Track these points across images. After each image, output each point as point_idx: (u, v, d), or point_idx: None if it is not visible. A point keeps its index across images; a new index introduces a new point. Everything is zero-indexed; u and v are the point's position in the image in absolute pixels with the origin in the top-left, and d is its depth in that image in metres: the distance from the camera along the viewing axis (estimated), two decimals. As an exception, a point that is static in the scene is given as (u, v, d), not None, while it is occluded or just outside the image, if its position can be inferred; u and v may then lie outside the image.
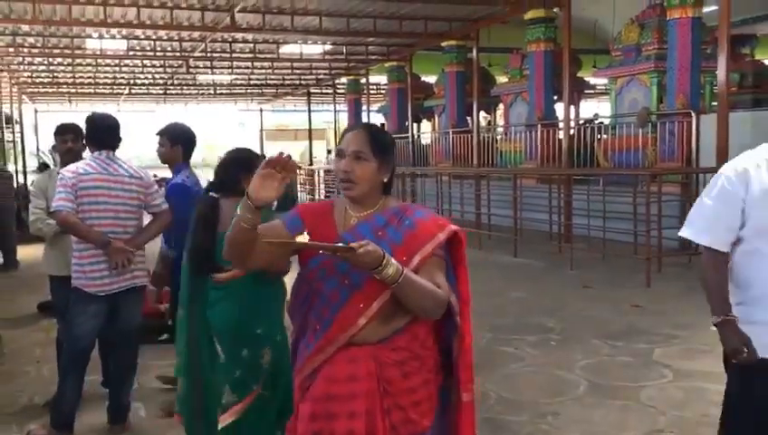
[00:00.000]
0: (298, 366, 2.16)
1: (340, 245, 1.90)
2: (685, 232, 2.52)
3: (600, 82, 17.09)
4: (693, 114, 9.92)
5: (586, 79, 15.70)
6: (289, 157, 1.89)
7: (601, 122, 14.42)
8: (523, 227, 10.76)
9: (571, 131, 12.60)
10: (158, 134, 4.46)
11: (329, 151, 25.68)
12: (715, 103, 10.51)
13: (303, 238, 1.93)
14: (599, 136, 12.49)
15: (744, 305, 2.41)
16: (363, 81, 21.76)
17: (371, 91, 23.18)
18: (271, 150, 26.36)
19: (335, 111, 26.03)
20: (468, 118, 16.44)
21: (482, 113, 17.37)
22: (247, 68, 21.02)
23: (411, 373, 2.08)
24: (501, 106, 16.79)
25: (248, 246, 1.97)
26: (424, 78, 19.75)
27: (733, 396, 2.49)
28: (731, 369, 2.49)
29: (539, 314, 6.76)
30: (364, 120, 21.83)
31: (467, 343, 2.20)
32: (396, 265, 1.92)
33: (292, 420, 2.17)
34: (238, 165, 3.27)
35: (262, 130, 33.34)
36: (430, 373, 2.15)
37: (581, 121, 14.81)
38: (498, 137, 15.93)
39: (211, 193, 3.26)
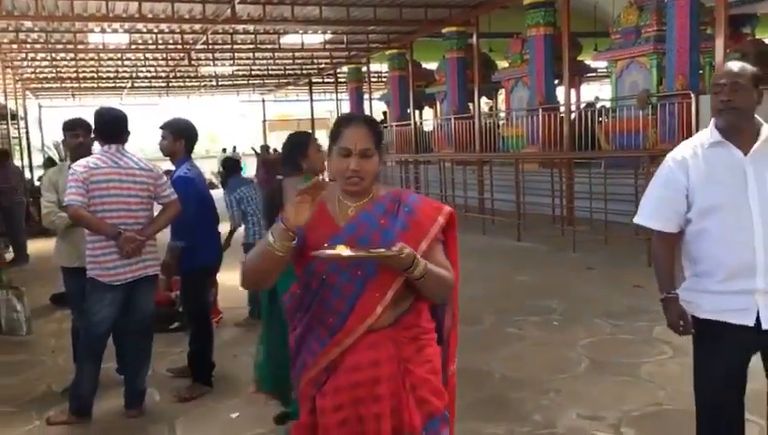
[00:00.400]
0: (308, 363, 2.13)
1: (382, 251, 1.94)
2: (638, 219, 2.79)
3: (600, 65, 17.10)
4: (692, 95, 9.97)
5: (587, 62, 15.71)
6: (323, 180, 1.97)
7: (603, 105, 14.46)
8: (526, 212, 10.85)
9: (572, 115, 12.65)
10: (161, 128, 4.59)
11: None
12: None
13: (347, 251, 1.95)
14: (600, 119, 12.55)
15: (695, 277, 2.69)
16: (364, 69, 21.83)
17: (373, 80, 23.24)
18: (273, 140, 26.48)
19: (337, 100, 26.11)
20: (470, 104, 16.48)
21: (483, 99, 17.41)
22: (249, 59, 21.09)
23: (425, 346, 2.15)
24: (502, 91, 16.82)
25: (276, 271, 2.02)
26: (425, 65, 19.78)
27: (695, 361, 2.77)
28: (694, 344, 2.75)
29: (542, 295, 6.87)
30: (366, 108, 21.90)
31: (456, 319, 2.32)
32: (423, 262, 1.99)
33: (303, 417, 2.17)
34: (296, 148, 3.77)
35: (264, 121, 33.41)
36: (437, 344, 2.23)
37: (583, 105, 14.85)
38: (500, 122, 15.99)
39: (277, 177, 3.80)
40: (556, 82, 13.82)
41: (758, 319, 2.55)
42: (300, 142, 3.81)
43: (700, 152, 2.62)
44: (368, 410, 2.04)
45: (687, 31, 10.35)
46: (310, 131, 4.39)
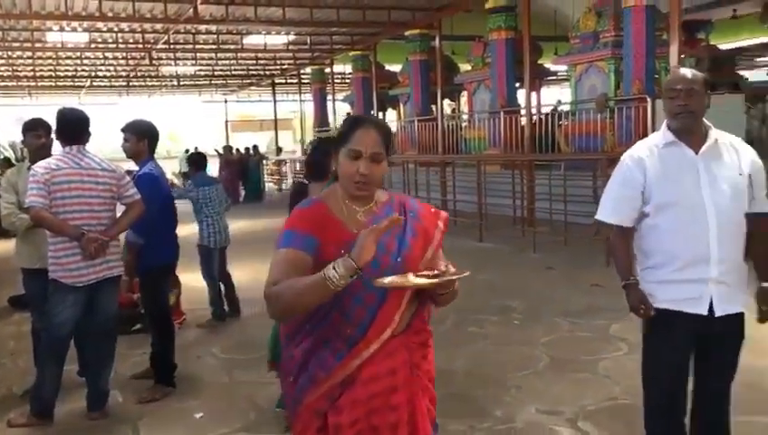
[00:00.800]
0: (318, 377, 2.01)
1: (451, 275, 1.90)
2: (598, 216, 2.96)
3: (560, 68, 17.40)
4: (648, 99, 10.24)
5: (547, 66, 15.99)
6: (400, 218, 1.94)
7: (562, 109, 14.73)
8: (488, 213, 11.01)
9: (534, 118, 12.87)
10: (122, 130, 4.58)
11: (301, 142, 25.65)
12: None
13: (416, 279, 1.89)
14: (560, 122, 12.79)
15: (649, 269, 2.85)
16: (328, 70, 21.85)
17: (336, 81, 23.26)
18: (236, 141, 26.29)
19: (300, 101, 26.05)
20: (433, 106, 16.66)
21: (446, 101, 17.59)
22: (211, 59, 20.96)
23: (429, 352, 2.15)
24: (465, 94, 17.02)
25: (317, 305, 1.90)
26: (388, 67, 19.89)
27: (647, 352, 2.94)
28: (643, 330, 2.94)
29: (503, 295, 7.00)
30: (329, 109, 21.93)
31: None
32: None
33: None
34: (323, 153, 3.60)
35: (227, 121, 33.17)
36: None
37: (549, 109, 15.10)
38: (463, 124, 16.17)
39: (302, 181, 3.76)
40: (517, 85, 14.04)
41: (711, 308, 2.71)
42: (326, 149, 3.66)
43: (656, 152, 2.79)
44: (384, 420, 2.00)
45: (644, 37, 10.63)
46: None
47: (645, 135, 10.35)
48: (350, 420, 1.98)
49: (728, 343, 2.85)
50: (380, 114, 19.52)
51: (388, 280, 1.87)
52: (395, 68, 19.48)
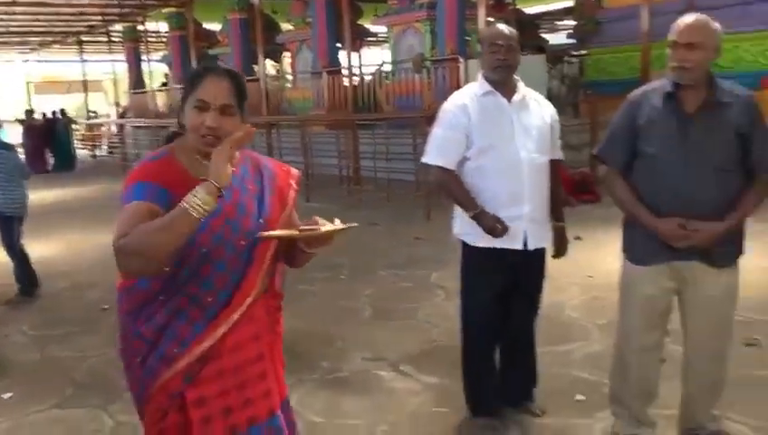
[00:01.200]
0: (171, 354, 1.81)
1: (343, 225, 1.82)
2: (425, 159, 3.13)
3: (381, 30, 17.70)
4: (461, 60, 10.74)
5: (367, 27, 16.19)
6: (253, 128, 1.75)
7: (384, 70, 15.04)
8: (315, 173, 11.08)
9: (356, 79, 13.03)
10: None
11: (117, 105, 23.98)
12: (480, 49, 11.45)
13: (313, 227, 1.80)
14: (381, 83, 13.06)
15: None
16: (141, 28, 20.56)
17: (151, 40, 21.94)
18: (41, 105, 24.13)
19: (112, 61, 24.35)
20: (255, 66, 16.31)
21: (269, 61, 17.26)
22: (6, 14, 18.89)
23: (281, 314, 2.07)
24: (288, 54, 16.82)
25: (181, 244, 1.67)
26: (208, 25, 19.11)
27: (466, 290, 3.18)
28: (464, 274, 3.17)
29: (332, 252, 6.98)
30: (145, 70, 20.74)
31: None
32: None
33: (170, 419, 1.86)
34: None
35: (28, 84, 30.27)
36: None
37: (372, 69, 15.29)
38: (287, 85, 16.00)
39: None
40: (339, 45, 14.10)
41: (525, 243, 3.01)
42: None
43: (476, 100, 3.04)
44: (256, 390, 1.90)
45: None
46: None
47: (459, 94, 10.92)
48: (217, 390, 1.84)
49: (536, 277, 3.19)
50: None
51: (278, 232, 1.77)
52: (215, 27, 18.76)
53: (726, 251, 2.70)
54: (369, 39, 18.37)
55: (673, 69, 2.61)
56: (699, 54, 2.55)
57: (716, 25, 2.61)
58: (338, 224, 1.83)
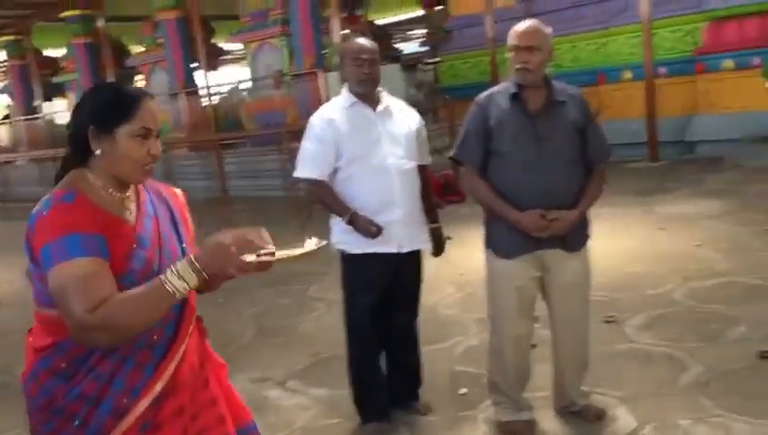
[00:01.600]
0: (122, 405, 1.64)
1: (315, 246, 1.73)
2: (298, 173, 3.19)
3: (237, 47, 17.52)
4: (320, 73, 10.85)
5: (221, 45, 15.97)
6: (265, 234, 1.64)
7: (242, 88, 14.89)
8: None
9: (214, 98, 12.82)
10: None
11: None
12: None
13: (294, 251, 1.69)
14: (241, 101, 12.92)
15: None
16: (-25, 58, 19.15)
17: (-11, 70, 20.50)
18: None
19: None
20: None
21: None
22: None
23: (206, 337, 1.98)
24: (142, 77, 16.25)
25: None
26: (50, 52, 18.09)
27: (349, 296, 3.24)
28: (345, 283, 3.24)
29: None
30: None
31: None
32: None
33: None
34: None
35: None
36: None
37: (229, 88, 15.08)
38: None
39: None
40: (196, 65, 13.81)
41: (400, 245, 3.13)
42: None
43: (342, 112, 3.12)
44: (210, 417, 1.82)
45: (308, 14, 11.21)
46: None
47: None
48: (180, 431, 1.72)
49: (413, 278, 3.31)
50: (46, 104, 17.75)
51: (279, 255, 1.63)
52: (58, 53, 17.78)
53: (578, 236, 2.95)
54: (226, 57, 18.11)
55: (517, 71, 2.83)
56: (539, 56, 2.80)
57: (549, 29, 2.88)
58: (314, 242, 1.75)
